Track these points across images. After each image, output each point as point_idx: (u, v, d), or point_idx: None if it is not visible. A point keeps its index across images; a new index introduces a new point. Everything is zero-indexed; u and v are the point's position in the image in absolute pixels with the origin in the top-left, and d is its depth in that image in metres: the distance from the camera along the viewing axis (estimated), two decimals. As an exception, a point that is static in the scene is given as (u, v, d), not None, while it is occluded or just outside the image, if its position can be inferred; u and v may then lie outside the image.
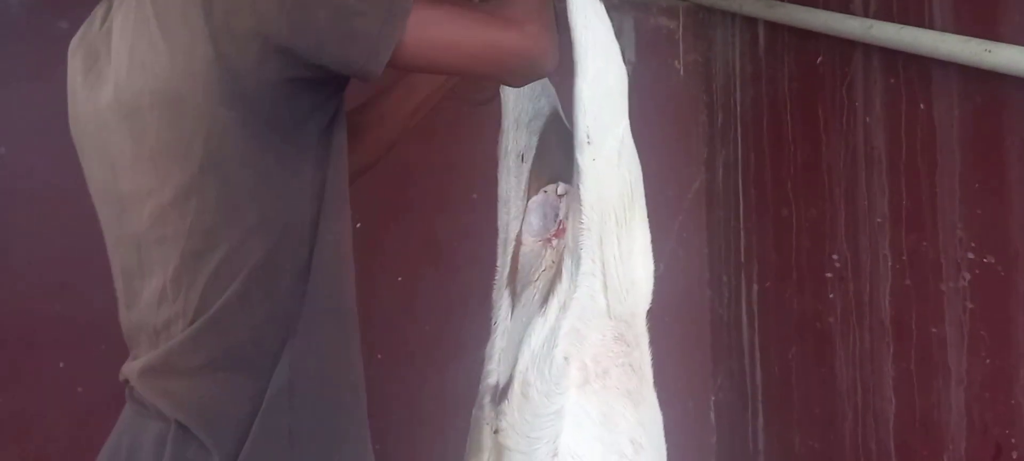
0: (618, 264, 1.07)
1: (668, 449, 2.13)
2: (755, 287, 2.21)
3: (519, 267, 1.26)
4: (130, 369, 1.01)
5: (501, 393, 1.08)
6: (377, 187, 1.53)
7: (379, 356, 1.97)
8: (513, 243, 1.30)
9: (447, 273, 2.12)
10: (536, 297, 1.17)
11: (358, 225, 1.12)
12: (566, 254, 1.09)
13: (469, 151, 1.80)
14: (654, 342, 2.39)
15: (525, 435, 1.02)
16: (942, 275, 1.67)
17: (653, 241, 2.35)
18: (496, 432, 1.06)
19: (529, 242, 1.28)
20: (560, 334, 1.03)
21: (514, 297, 1.24)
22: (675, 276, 2.37)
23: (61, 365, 1.81)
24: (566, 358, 1.02)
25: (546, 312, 1.08)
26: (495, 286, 1.31)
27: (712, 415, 2.41)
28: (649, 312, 2.35)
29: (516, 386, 1.04)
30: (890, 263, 1.79)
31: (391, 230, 2.09)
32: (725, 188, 2.30)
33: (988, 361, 1.59)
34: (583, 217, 1.07)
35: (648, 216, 1.19)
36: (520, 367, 1.06)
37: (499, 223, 1.33)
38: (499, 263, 1.32)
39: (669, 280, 2.34)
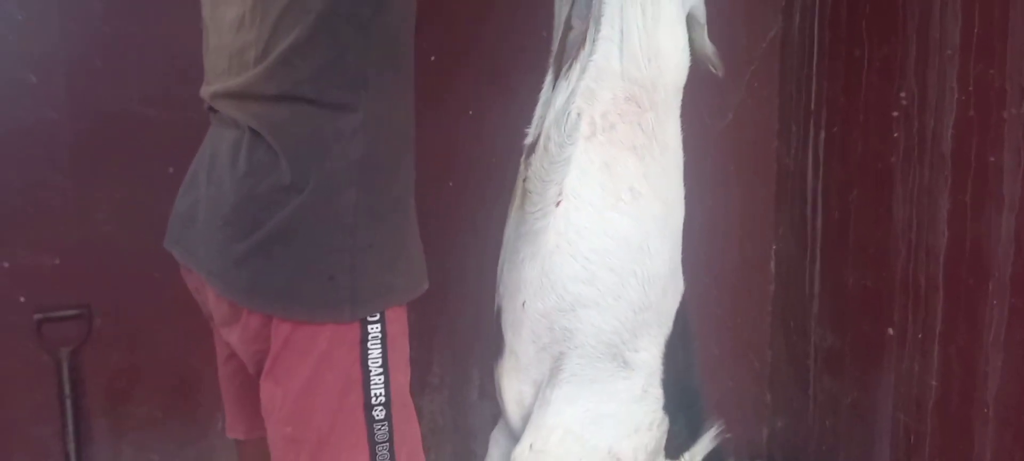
0: (640, 32, 1.14)
1: (725, 295, 2.22)
2: (822, 133, 2.22)
3: (565, 47, 1.36)
4: (208, 92, 1.17)
5: (530, 148, 1.20)
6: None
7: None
8: (563, 27, 1.39)
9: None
10: (574, 69, 1.27)
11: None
12: (591, 21, 1.17)
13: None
14: (717, 191, 2.46)
15: (541, 180, 1.14)
16: (1005, 102, 1.65)
17: (723, 92, 2.39)
18: (524, 181, 1.19)
19: (577, 25, 1.36)
20: (577, 93, 1.13)
21: (557, 75, 1.34)
22: (743, 126, 2.40)
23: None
24: (579, 114, 1.13)
25: (569, 75, 1.17)
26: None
27: (772, 263, 2.46)
28: (714, 159, 2.41)
29: (541, 141, 1.16)
30: (956, 95, 1.78)
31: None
32: (800, 33, 2.28)
33: (1043, 185, 1.58)
34: None
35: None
36: (545, 125, 1.17)
37: (555, 9, 1.42)
38: (553, 46, 1.42)
39: (736, 130, 2.40)
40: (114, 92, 1.95)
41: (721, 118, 2.37)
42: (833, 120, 2.17)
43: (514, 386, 1.25)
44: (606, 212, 1.14)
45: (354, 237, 1.02)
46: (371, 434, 1.05)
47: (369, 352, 1.04)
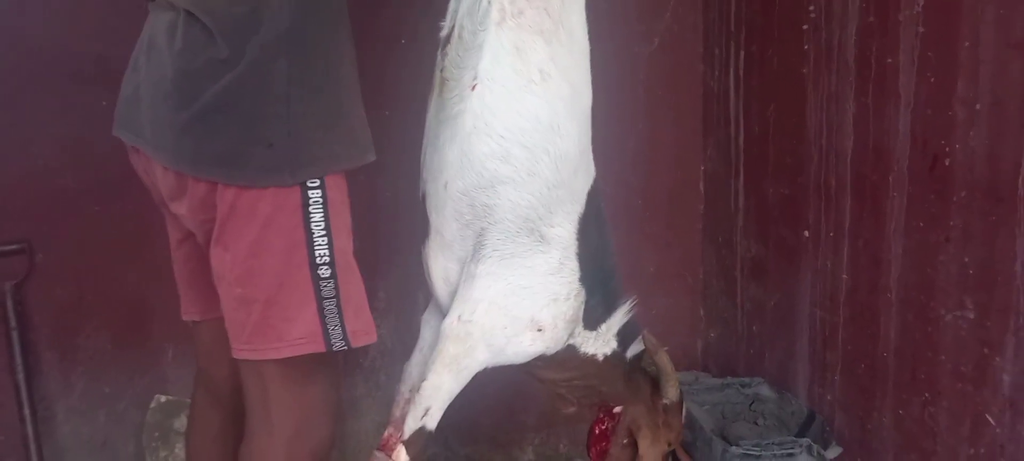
0: None
1: (659, 217, 2.32)
2: (742, 53, 2.33)
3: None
4: None
5: (445, 40, 1.27)
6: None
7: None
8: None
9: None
10: None
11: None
12: None
13: None
14: (647, 116, 2.56)
15: (457, 66, 1.22)
16: (900, 5, 1.77)
17: (648, 17, 2.47)
18: (441, 70, 1.26)
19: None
20: None
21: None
22: (669, 51, 2.50)
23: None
24: (489, 2, 1.20)
25: None
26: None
27: (701, 184, 2.58)
28: (643, 85, 2.51)
29: (455, 31, 1.23)
30: (858, 3, 1.89)
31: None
32: (720, -42, 2.38)
33: (933, 79, 1.71)
34: None
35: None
36: (458, 16, 1.24)
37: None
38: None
39: (663, 55, 2.50)
40: (48, 27, 1.96)
41: (647, 44, 2.47)
42: (751, 39, 2.28)
43: (440, 264, 1.33)
44: (518, 93, 1.21)
45: (289, 106, 1.09)
46: (318, 291, 1.13)
47: (311, 216, 1.11)
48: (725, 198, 2.45)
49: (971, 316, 1.68)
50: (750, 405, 2.27)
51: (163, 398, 2.11)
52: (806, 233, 2.13)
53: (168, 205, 1.22)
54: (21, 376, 1.98)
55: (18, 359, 1.98)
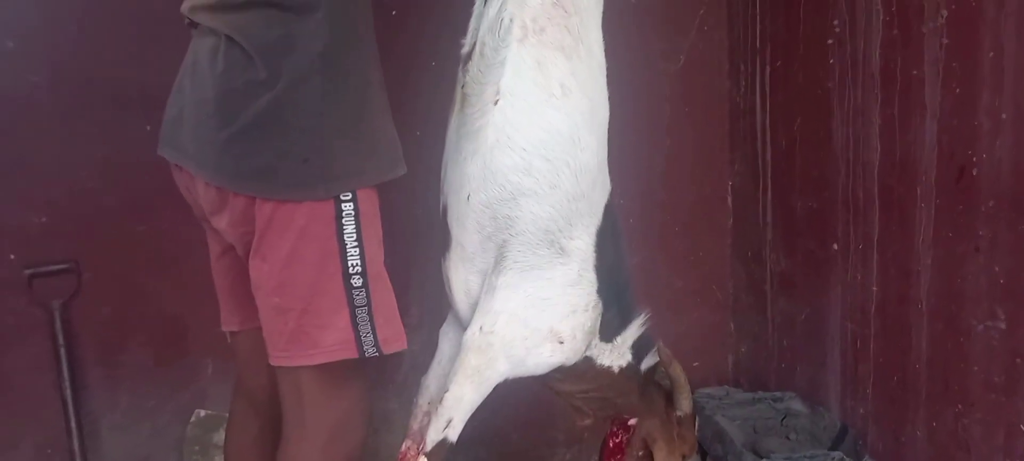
0: None
1: (687, 233, 2.34)
2: (768, 69, 2.34)
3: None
4: (187, 7, 1.28)
5: (466, 57, 1.32)
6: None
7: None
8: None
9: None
10: None
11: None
12: None
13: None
14: (674, 133, 2.58)
15: (479, 83, 1.26)
16: (924, 17, 1.77)
17: (674, 36, 2.50)
18: (462, 87, 1.31)
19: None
20: (508, 1, 1.24)
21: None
22: (695, 68, 2.52)
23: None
24: (511, 19, 1.25)
25: None
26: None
27: (729, 199, 2.59)
28: (669, 102, 2.53)
29: (476, 48, 1.28)
30: (882, 17, 1.90)
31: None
32: (744, -25, 2.40)
33: (958, 90, 1.71)
34: None
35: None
36: (480, 34, 1.28)
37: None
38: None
39: (689, 73, 2.52)
40: (91, 55, 2.05)
41: (674, 62, 2.50)
42: (776, 55, 2.30)
43: (461, 276, 1.37)
44: (539, 107, 1.25)
45: (323, 122, 1.14)
46: (350, 299, 1.17)
47: (344, 227, 1.16)
48: (753, 213, 2.46)
49: (1002, 326, 1.66)
50: (782, 420, 2.25)
51: (202, 413, 2.17)
52: (835, 246, 2.13)
53: (209, 220, 1.28)
54: (69, 392, 2.05)
55: (66, 375, 2.05)
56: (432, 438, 1.30)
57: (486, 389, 1.32)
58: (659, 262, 2.56)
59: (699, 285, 2.61)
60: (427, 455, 1.30)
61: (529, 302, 1.31)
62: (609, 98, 1.42)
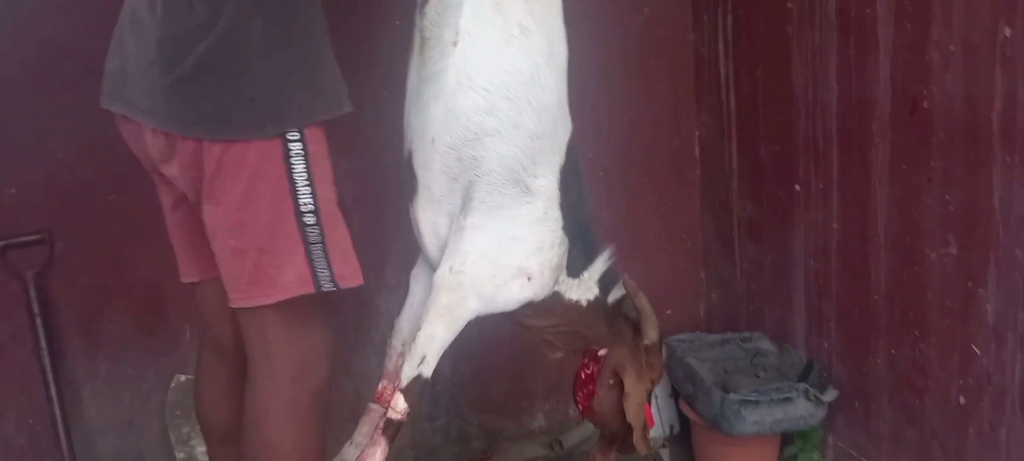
0: None
1: (657, 185, 2.38)
2: (730, 18, 2.38)
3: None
4: None
5: (423, 0, 1.34)
6: None
7: None
8: None
9: None
10: None
11: None
12: None
13: None
14: (641, 86, 2.61)
15: (437, 26, 1.29)
16: (876, -44, 1.82)
17: (639, -14, 2.51)
18: (420, 30, 1.33)
19: None
20: None
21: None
22: (659, 21, 2.55)
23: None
24: None
25: None
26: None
27: (697, 149, 2.63)
28: (635, 55, 2.56)
29: None
30: (836, -42, 1.94)
31: None
32: (704, -74, 2.43)
33: (910, 27, 1.76)
34: None
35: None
36: None
37: None
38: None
39: (653, 25, 2.55)
40: (63, 27, 2.04)
41: (638, 14, 2.52)
42: (738, 3, 2.33)
43: (429, 219, 1.40)
44: (499, 47, 1.28)
45: (266, 63, 1.17)
46: (304, 236, 1.20)
47: (293, 166, 1.19)
48: (719, 162, 2.51)
49: (954, 253, 1.73)
50: (751, 359, 2.32)
51: (183, 378, 2.19)
52: (797, 188, 2.19)
53: (159, 169, 1.30)
54: (47, 361, 2.06)
55: (43, 345, 2.06)
56: (407, 374, 1.33)
57: (458, 326, 1.36)
58: (630, 214, 2.60)
59: (669, 235, 2.66)
60: (403, 391, 1.33)
61: (497, 241, 1.35)
62: (570, 43, 1.45)
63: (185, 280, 1.46)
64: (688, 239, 2.69)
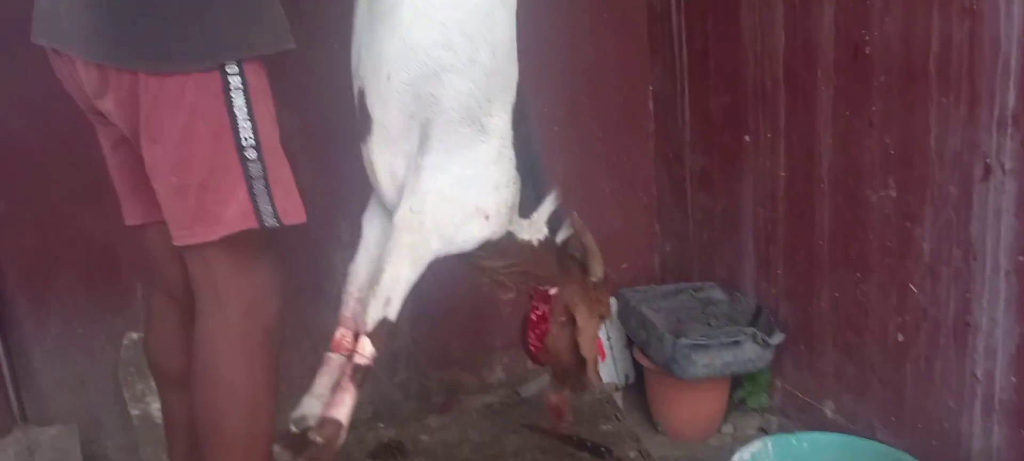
0: None
1: (611, 139, 2.38)
2: (681, -31, 2.39)
3: None
4: None
5: None
6: None
7: None
8: None
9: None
10: None
11: None
12: None
13: None
14: (595, 42, 2.61)
15: None
16: (819, -98, 1.84)
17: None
18: None
19: None
20: None
21: None
22: (613, -28, 2.55)
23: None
24: None
25: None
26: None
27: (650, 103, 2.66)
28: (589, 11, 2.54)
29: None
30: (782, -94, 1.96)
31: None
32: None
33: (851, -28, 1.79)
34: None
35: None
36: None
37: None
38: None
39: (607, -24, 2.55)
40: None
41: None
42: (689, -46, 2.35)
43: (386, 159, 1.39)
44: (455, -18, 1.28)
45: None
46: (246, 171, 1.19)
47: (233, 100, 1.17)
48: (672, 114, 2.53)
49: (893, 194, 1.78)
50: (703, 308, 2.37)
51: (135, 335, 2.16)
52: (747, 137, 2.22)
53: (95, 106, 1.27)
54: (-6, 321, 2.04)
55: (-9, 306, 2.03)
56: (372, 318, 1.32)
57: (421, 267, 1.36)
58: (585, 169, 2.62)
59: (624, 189, 2.69)
60: (369, 335, 1.33)
61: (455, 181, 1.34)
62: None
63: (129, 223, 1.44)
64: (642, 193, 2.72)
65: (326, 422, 1.31)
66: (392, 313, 1.34)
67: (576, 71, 2.57)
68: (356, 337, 1.40)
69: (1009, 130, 1.50)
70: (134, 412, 2.15)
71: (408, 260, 1.34)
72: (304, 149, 1.97)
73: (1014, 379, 1.57)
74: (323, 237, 2.27)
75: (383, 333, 1.34)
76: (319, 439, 1.30)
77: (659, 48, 2.56)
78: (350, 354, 1.39)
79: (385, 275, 1.34)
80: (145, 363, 2.18)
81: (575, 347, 1.55)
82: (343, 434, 1.33)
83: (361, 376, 1.34)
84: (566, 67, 2.52)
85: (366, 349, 1.34)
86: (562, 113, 2.53)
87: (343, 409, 1.32)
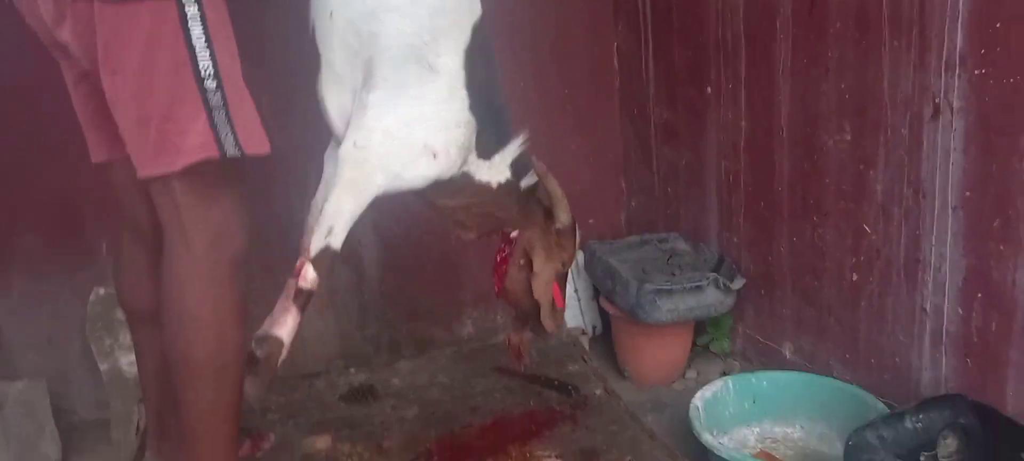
0: None
1: (578, 98, 2.40)
2: (645, -75, 2.42)
3: None
4: None
5: None
6: None
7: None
8: None
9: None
10: None
11: None
12: None
13: None
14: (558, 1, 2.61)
15: None
16: None
17: None
18: None
19: None
20: None
21: None
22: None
23: None
24: None
25: None
26: None
27: (615, 61, 2.69)
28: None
29: None
30: None
31: None
32: None
33: (809, -77, 1.83)
34: None
35: None
36: None
37: None
38: None
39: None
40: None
41: None
42: (652, -91, 2.37)
43: (334, 96, 1.41)
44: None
45: None
46: (206, 101, 1.20)
47: (191, 30, 1.18)
48: (637, 70, 2.57)
49: (848, 138, 1.84)
50: (668, 259, 2.42)
51: (102, 291, 2.16)
52: (709, 90, 2.27)
53: (54, 36, 1.26)
54: (-44, 277, 2.02)
55: (-50, 262, 2.01)
56: (316, 245, 1.34)
57: (365, 200, 1.37)
58: (551, 127, 2.64)
59: (591, 147, 2.73)
60: (312, 261, 1.34)
61: (401, 119, 1.36)
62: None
63: (95, 160, 1.43)
64: (609, 149, 2.76)
65: (267, 338, 1.33)
66: (335, 242, 1.35)
67: (540, 30, 2.59)
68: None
69: (957, 71, 1.56)
70: (103, 367, 2.14)
71: (351, 193, 1.36)
72: (268, 104, 1.97)
73: (961, 310, 1.64)
74: (291, 192, 2.27)
75: (326, 260, 1.35)
76: (259, 354, 1.32)
77: (622, 4, 2.59)
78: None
79: (329, 206, 1.35)
80: (113, 318, 2.19)
81: (531, 290, 1.58)
82: (284, 351, 1.34)
83: (303, 299, 1.35)
84: (530, 26, 2.54)
85: (309, 274, 1.34)
86: (529, 72, 2.55)
87: (284, 329, 1.33)
